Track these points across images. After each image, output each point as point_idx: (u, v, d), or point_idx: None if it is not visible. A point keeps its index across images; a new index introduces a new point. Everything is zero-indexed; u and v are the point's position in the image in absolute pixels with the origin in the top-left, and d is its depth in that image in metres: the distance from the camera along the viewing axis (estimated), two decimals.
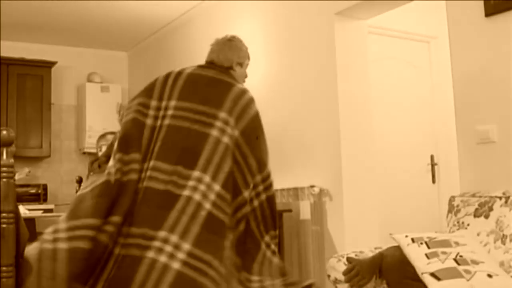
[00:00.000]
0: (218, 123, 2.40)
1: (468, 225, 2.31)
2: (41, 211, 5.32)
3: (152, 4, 5.24)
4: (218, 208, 2.25)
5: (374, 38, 4.01)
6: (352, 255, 2.31)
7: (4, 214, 1.82)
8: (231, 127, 2.41)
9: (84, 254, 2.11)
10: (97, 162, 2.61)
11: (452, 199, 2.51)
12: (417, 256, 2.05)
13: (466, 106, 2.81)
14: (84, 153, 6.52)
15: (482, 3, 2.69)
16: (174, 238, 2.14)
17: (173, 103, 2.45)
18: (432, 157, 4.34)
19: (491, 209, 2.25)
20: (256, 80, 4.31)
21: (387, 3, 3.48)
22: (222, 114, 2.42)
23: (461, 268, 1.93)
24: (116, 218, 2.21)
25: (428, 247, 2.06)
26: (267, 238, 2.47)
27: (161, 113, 2.46)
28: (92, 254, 2.13)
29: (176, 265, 2.07)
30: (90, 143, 6.33)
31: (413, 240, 2.12)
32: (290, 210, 3.73)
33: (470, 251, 2.04)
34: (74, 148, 6.57)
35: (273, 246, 2.48)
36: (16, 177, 1.98)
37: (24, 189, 5.73)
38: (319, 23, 3.77)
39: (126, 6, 5.29)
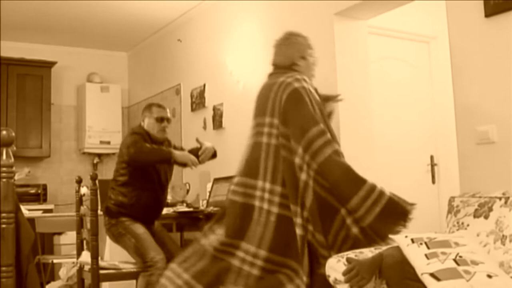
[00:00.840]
0: (266, 129, 2.62)
1: (467, 225, 2.31)
2: (41, 211, 5.33)
3: (152, 4, 5.24)
4: (284, 207, 2.46)
5: (374, 38, 4.01)
6: (352, 255, 2.30)
7: (4, 215, 1.82)
8: (275, 126, 2.59)
9: None
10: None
11: (452, 199, 2.51)
12: (416, 256, 2.05)
13: (466, 106, 2.81)
14: (84, 153, 6.52)
15: (482, 3, 2.69)
16: (252, 248, 2.47)
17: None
18: (432, 157, 4.34)
19: (490, 209, 2.24)
20: (256, 80, 4.31)
21: (387, 3, 3.48)
22: (267, 119, 2.62)
23: (460, 268, 1.93)
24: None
25: (428, 248, 2.06)
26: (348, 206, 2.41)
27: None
28: None
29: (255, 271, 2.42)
30: (90, 143, 6.33)
31: (412, 240, 2.12)
32: None
33: (469, 251, 2.03)
34: (74, 148, 6.57)
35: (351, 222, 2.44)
36: (16, 177, 1.98)
37: (24, 189, 5.73)
38: (318, 24, 3.76)
39: (126, 6, 5.29)
